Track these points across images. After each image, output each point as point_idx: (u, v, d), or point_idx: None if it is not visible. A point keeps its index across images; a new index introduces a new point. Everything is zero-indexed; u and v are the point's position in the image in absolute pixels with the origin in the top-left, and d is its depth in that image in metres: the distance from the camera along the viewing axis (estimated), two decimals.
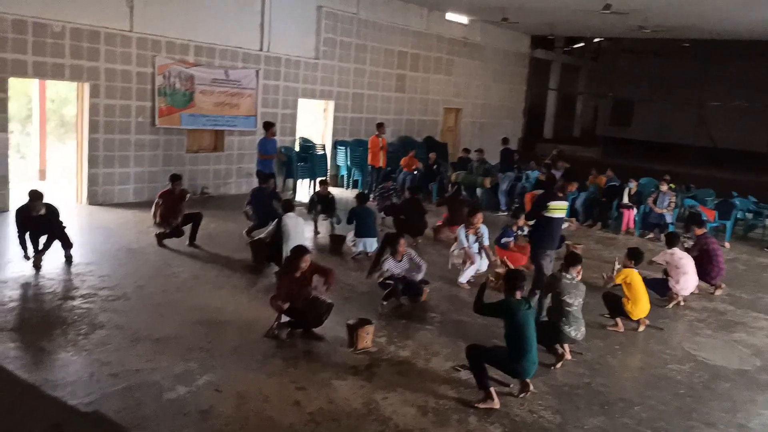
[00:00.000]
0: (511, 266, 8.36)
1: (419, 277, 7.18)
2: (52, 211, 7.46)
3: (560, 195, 7.24)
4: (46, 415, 2.40)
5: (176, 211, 8.69)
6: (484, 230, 8.32)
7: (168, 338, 5.68)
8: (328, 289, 6.06)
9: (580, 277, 6.16)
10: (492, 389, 4.98)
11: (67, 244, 7.58)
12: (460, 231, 8.23)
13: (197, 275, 7.60)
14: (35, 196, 7.31)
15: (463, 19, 18.16)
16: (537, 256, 7.18)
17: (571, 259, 6.16)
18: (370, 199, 11.43)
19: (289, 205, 8.34)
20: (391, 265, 7.08)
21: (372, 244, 8.98)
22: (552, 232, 7.19)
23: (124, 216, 10.38)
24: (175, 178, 8.99)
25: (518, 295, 5.18)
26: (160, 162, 11.89)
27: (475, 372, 5.04)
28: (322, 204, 10.11)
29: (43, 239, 7.41)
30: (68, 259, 7.56)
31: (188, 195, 9.10)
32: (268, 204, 9.36)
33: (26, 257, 7.31)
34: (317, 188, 10.64)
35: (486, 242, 8.32)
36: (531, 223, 7.58)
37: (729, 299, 8.39)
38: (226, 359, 5.37)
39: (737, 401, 5.48)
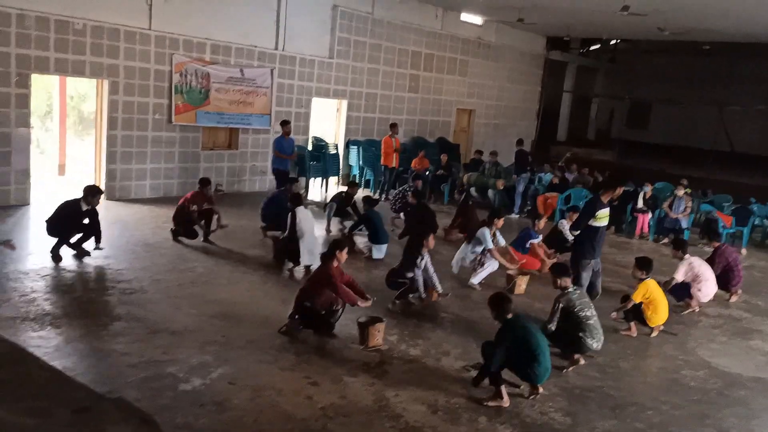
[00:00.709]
0: (524, 269, 8.41)
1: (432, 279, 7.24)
2: (96, 210, 7.82)
3: (606, 202, 7.15)
4: (74, 399, 2.48)
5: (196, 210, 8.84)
6: (498, 233, 8.35)
7: (184, 331, 5.76)
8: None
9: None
10: (503, 388, 5.00)
11: (100, 238, 7.85)
12: (485, 232, 8.16)
13: (213, 270, 7.68)
14: (96, 191, 7.71)
15: (478, 19, 18.14)
16: (578, 266, 7.05)
17: (562, 270, 6.07)
18: (382, 199, 11.48)
19: (299, 199, 8.37)
20: (421, 264, 7.08)
21: (384, 250, 8.99)
22: (597, 242, 7.11)
23: (141, 211, 10.50)
24: (206, 183, 9.09)
25: (509, 315, 5.13)
26: (176, 159, 12.01)
27: (487, 368, 5.05)
28: (343, 205, 10.09)
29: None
30: (97, 249, 7.76)
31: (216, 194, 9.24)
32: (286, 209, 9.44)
33: (70, 246, 7.53)
34: (346, 189, 10.56)
35: (502, 242, 8.34)
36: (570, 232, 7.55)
37: (745, 306, 8.33)
38: (240, 353, 5.44)
39: (753, 409, 5.45)
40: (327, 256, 6.06)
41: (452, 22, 17.48)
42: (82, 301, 6.33)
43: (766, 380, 6.08)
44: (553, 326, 5.83)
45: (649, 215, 12.16)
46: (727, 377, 6.03)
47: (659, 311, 6.78)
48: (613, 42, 24.70)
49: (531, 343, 5.01)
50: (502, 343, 5.00)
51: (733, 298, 8.43)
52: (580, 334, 5.78)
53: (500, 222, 8.33)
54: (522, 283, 7.94)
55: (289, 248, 7.92)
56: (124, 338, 5.50)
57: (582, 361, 5.88)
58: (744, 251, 11.39)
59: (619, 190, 7.68)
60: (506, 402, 4.97)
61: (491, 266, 8.11)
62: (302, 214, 7.97)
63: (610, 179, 7.38)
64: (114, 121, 11.05)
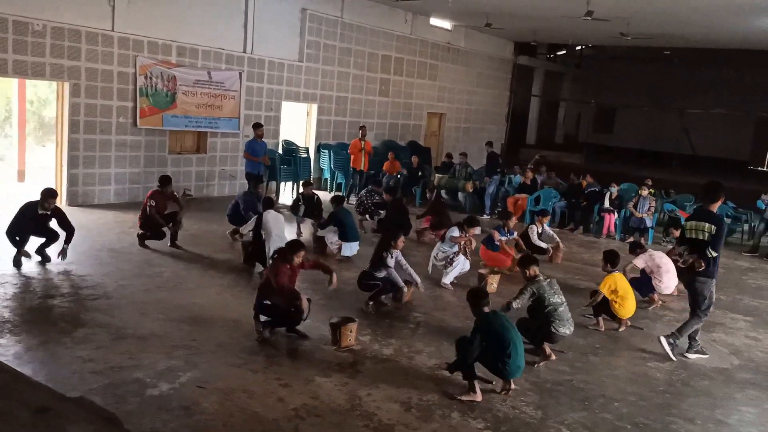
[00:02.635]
0: (494, 268, 8.48)
1: (409, 276, 7.23)
2: (59, 211, 7.67)
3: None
4: (35, 399, 2.39)
5: (164, 209, 8.69)
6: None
7: (151, 336, 5.63)
8: (331, 282, 6.16)
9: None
10: (476, 383, 5.02)
11: (70, 238, 7.68)
12: (455, 231, 8.22)
13: (181, 275, 7.55)
14: (48, 193, 7.49)
15: (447, 24, 18.31)
16: (706, 288, 6.18)
17: (529, 260, 6.14)
18: (348, 201, 11.48)
19: (270, 202, 8.30)
20: (391, 263, 7.08)
21: (356, 248, 8.97)
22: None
23: (105, 217, 10.28)
24: (167, 181, 8.90)
25: (486, 309, 5.17)
26: (141, 163, 11.80)
27: (462, 361, 5.06)
28: (306, 205, 10.09)
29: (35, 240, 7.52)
30: (64, 252, 7.57)
31: (179, 196, 9.07)
32: (255, 210, 9.33)
33: (21, 253, 7.35)
34: (302, 189, 10.62)
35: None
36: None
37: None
38: (210, 356, 5.34)
39: (716, 398, 5.57)
40: (278, 256, 5.99)
41: (422, 26, 17.60)
42: (44, 307, 6.15)
43: (728, 371, 6.22)
44: (516, 304, 5.90)
45: (615, 215, 12.38)
46: (691, 368, 6.15)
47: (626, 305, 6.91)
48: (579, 48, 25.19)
49: (506, 339, 5.03)
50: (478, 337, 5.01)
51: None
52: (552, 325, 5.84)
53: (512, 222, 8.64)
54: (493, 282, 7.99)
55: (253, 249, 7.84)
56: (88, 345, 5.35)
57: (553, 357, 5.94)
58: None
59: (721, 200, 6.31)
60: (479, 397, 4.99)
61: (461, 265, 8.14)
62: (271, 216, 7.90)
63: (712, 188, 6.32)
64: (76, 125, 10.81)
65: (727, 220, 12.99)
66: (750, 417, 5.26)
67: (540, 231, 9.70)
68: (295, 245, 6.08)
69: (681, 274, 7.26)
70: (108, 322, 5.85)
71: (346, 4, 15.21)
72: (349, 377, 5.23)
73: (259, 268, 7.85)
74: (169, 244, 8.65)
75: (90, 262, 7.69)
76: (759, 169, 23.53)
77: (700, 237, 6.02)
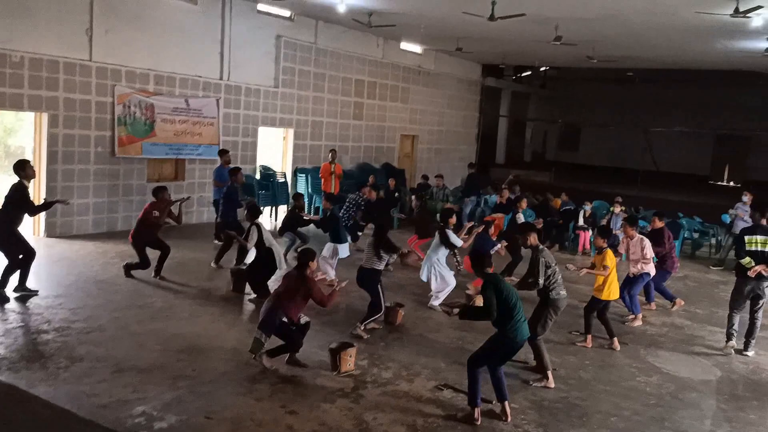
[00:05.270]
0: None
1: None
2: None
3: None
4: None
5: (160, 220, 8.64)
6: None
7: (152, 368, 5.61)
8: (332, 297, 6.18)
9: None
10: (477, 409, 5.14)
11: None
12: (449, 232, 8.24)
13: (172, 304, 7.51)
14: (20, 164, 7.41)
15: (417, 48, 18.72)
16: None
17: (529, 227, 6.48)
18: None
19: (257, 211, 8.38)
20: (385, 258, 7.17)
21: (347, 249, 9.08)
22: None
23: (86, 247, 10.14)
24: (161, 190, 8.83)
25: (490, 270, 5.36)
26: (120, 192, 11.70)
27: (470, 383, 5.18)
28: (298, 218, 10.03)
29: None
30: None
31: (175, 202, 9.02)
32: (237, 201, 9.74)
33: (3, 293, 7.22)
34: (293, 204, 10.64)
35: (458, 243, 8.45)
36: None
37: (685, 314, 8.86)
38: (213, 386, 5.36)
39: (704, 410, 5.81)
40: (300, 264, 6.00)
41: (393, 50, 17.95)
42: (39, 343, 6.06)
43: (712, 382, 6.49)
44: (541, 280, 6.07)
45: (590, 232, 12.74)
46: (678, 381, 6.40)
47: (613, 284, 7.14)
48: (543, 69, 25.94)
49: (512, 298, 5.17)
50: (491, 292, 5.14)
51: (674, 308, 8.94)
52: (552, 291, 6.07)
53: (453, 220, 8.44)
54: (480, 302, 8.12)
55: (266, 260, 7.89)
56: (89, 379, 5.30)
57: (551, 384, 6.03)
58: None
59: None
60: (478, 421, 5.11)
61: (449, 285, 8.24)
62: (264, 226, 8.04)
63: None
64: (54, 156, 10.69)
65: (695, 235, 13.55)
66: (739, 426, 5.50)
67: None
68: (310, 252, 6.11)
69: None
70: (106, 355, 5.81)
71: (319, 29, 15.45)
72: (353, 402, 5.31)
73: (252, 296, 7.88)
74: (153, 275, 8.54)
75: (78, 294, 7.60)
76: (719, 183, 24.47)
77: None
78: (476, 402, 5.13)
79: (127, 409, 4.83)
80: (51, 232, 10.75)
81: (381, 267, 7.11)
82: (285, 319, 5.80)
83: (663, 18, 11.78)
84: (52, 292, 7.53)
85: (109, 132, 11.36)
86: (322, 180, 13.98)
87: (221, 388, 5.33)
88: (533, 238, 6.26)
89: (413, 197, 14.66)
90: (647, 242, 8.13)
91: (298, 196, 10.37)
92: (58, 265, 8.93)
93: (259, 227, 7.98)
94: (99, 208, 11.46)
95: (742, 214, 11.90)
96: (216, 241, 10.80)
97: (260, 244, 7.95)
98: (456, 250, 8.46)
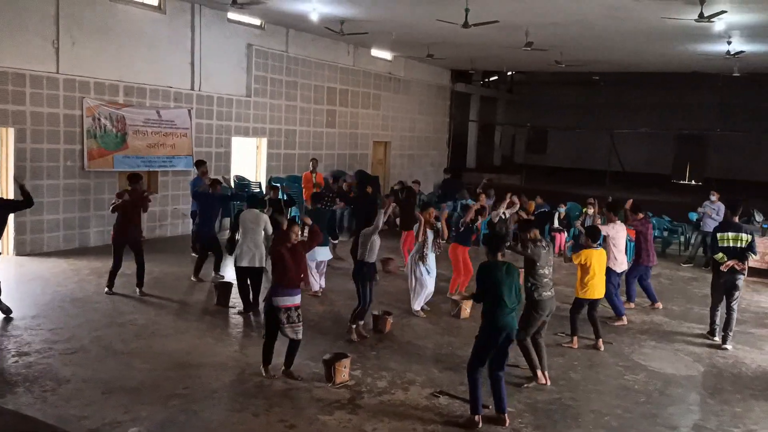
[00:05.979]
0: (466, 294, 8.67)
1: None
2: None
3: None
4: None
5: (138, 211, 8.41)
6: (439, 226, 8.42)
7: (141, 387, 5.48)
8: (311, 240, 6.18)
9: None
10: (478, 417, 5.16)
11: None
12: (437, 225, 8.34)
13: (155, 321, 7.35)
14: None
15: (388, 55, 18.79)
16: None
17: (528, 223, 6.57)
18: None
19: (255, 201, 8.25)
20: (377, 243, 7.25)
21: (328, 252, 9.04)
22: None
23: (58, 265, 9.86)
24: (136, 178, 8.61)
25: (500, 257, 5.40)
26: (91, 207, 11.42)
27: (471, 389, 5.20)
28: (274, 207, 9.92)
29: None
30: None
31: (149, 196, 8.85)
32: (216, 207, 9.46)
33: None
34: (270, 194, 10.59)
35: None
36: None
37: (663, 312, 9.06)
38: (206, 403, 5.25)
39: (691, 404, 5.96)
40: (279, 236, 5.93)
41: (363, 58, 17.97)
42: (21, 366, 5.84)
43: (696, 377, 6.66)
44: (516, 248, 6.39)
45: (565, 234, 12.95)
46: (663, 378, 6.54)
47: (593, 283, 7.15)
48: (509, 74, 26.30)
49: (501, 287, 5.19)
50: (481, 278, 5.30)
51: (658, 305, 9.16)
52: (535, 293, 6.14)
53: (432, 213, 8.43)
54: (467, 308, 8.20)
55: (243, 294, 7.80)
56: (78, 401, 5.15)
57: (548, 382, 6.13)
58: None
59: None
60: (479, 426, 5.13)
61: (429, 288, 8.24)
62: (251, 215, 7.88)
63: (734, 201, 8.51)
64: (21, 171, 10.36)
65: (665, 234, 13.89)
66: (726, 419, 5.65)
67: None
68: (288, 221, 6.09)
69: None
70: (93, 377, 5.65)
71: (290, 38, 15.38)
72: (350, 413, 5.27)
73: (237, 309, 7.81)
74: (136, 290, 8.34)
75: (56, 314, 7.38)
76: (681, 182, 25.15)
77: (739, 245, 7.50)
78: (478, 410, 5.15)
79: (121, 431, 4.70)
80: (20, 250, 10.42)
81: (372, 260, 7.18)
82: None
83: (629, 23, 12.09)
84: (29, 312, 7.29)
85: (79, 145, 11.08)
86: (304, 189, 13.87)
87: (215, 405, 5.23)
88: (533, 233, 6.37)
89: (390, 198, 14.64)
90: (623, 228, 8.49)
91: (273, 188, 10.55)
92: (31, 284, 8.65)
93: (239, 215, 7.94)
94: (70, 223, 11.16)
95: (710, 212, 12.26)
96: (193, 254, 10.63)
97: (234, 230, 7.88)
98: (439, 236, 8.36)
